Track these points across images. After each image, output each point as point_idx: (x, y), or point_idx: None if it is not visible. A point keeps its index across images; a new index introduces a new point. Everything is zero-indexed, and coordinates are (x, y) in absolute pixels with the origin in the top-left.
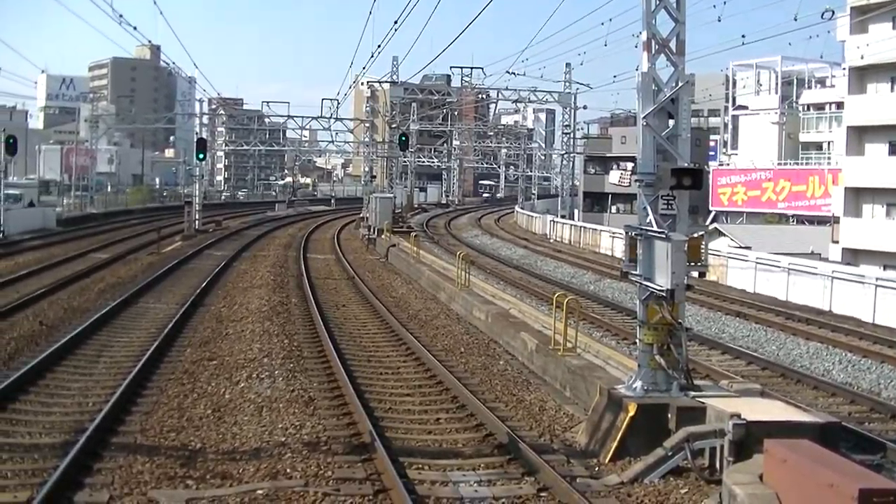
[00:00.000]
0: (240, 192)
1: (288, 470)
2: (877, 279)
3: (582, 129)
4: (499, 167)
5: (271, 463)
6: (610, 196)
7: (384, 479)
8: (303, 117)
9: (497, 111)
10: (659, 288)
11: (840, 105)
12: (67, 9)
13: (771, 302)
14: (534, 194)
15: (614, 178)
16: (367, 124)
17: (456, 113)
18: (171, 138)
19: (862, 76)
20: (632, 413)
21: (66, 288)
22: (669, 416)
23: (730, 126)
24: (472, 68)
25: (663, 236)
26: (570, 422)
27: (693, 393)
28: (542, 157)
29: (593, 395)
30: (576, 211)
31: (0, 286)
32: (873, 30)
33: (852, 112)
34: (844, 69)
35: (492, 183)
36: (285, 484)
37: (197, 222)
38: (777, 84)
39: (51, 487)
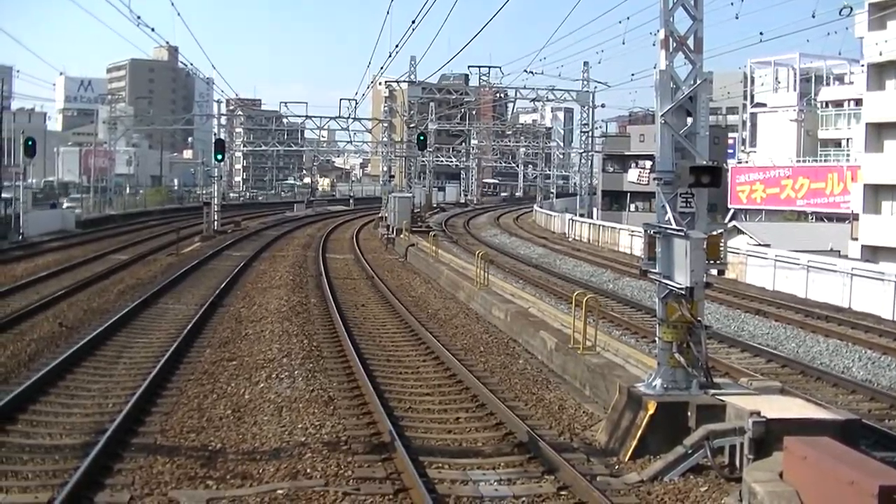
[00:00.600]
0: (250, 192)
1: (308, 470)
2: None
3: (600, 127)
4: (517, 166)
5: (291, 463)
6: (628, 194)
7: (404, 479)
8: (321, 117)
9: (515, 110)
10: (678, 286)
11: (859, 102)
12: (85, 11)
13: (790, 299)
14: (552, 193)
15: (633, 177)
16: (386, 124)
17: (474, 112)
18: (190, 139)
19: (880, 72)
20: (651, 411)
21: (85, 289)
22: (689, 413)
23: (748, 123)
24: (489, 67)
25: (682, 234)
26: (589, 420)
27: (713, 391)
28: (561, 156)
29: (613, 393)
30: (594, 209)
31: (20, 288)
32: (892, 26)
33: (871, 109)
34: (863, 66)
35: (495, 181)
36: (305, 484)
37: (216, 223)
38: (795, 81)
39: (72, 488)
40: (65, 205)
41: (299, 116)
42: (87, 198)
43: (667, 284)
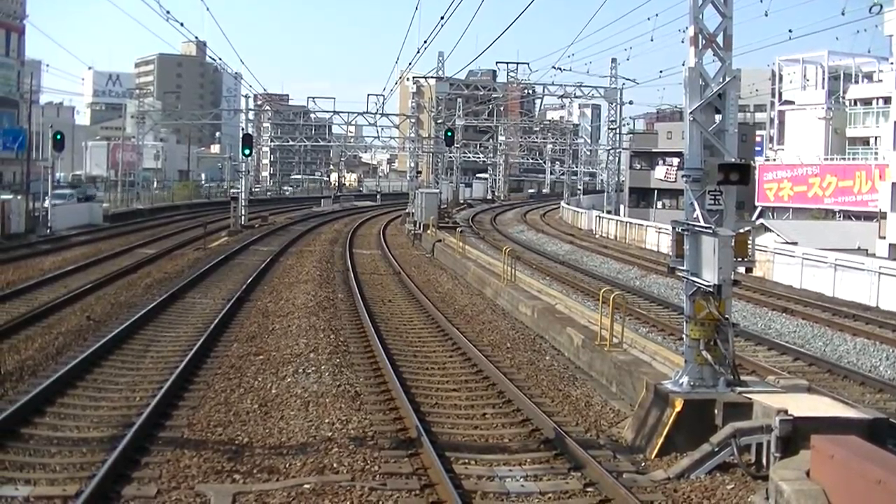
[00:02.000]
0: (279, 187)
1: (335, 465)
2: None
3: (627, 124)
4: (544, 163)
5: (318, 457)
6: (656, 191)
7: (431, 474)
8: (348, 113)
9: (542, 107)
10: (706, 283)
11: (887, 100)
12: (115, 5)
13: (817, 298)
14: (579, 190)
15: (660, 174)
16: (413, 120)
17: (501, 108)
18: (217, 134)
19: None
20: (678, 408)
21: (113, 283)
22: (716, 411)
23: (776, 121)
24: (517, 64)
25: (710, 232)
26: (616, 417)
27: (739, 388)
28: (588, 153)
29: (639, 390)
30: (621, 206)
31: (48, 281)
32: None
33: None
34: (892, 63)
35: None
36: (332, 478)
37: (243, 218)
38: (824, 79)
39: (99, 481)
40: (46, 202)
41: (327, 112)
42: (70, 194)
43: (694, 282)
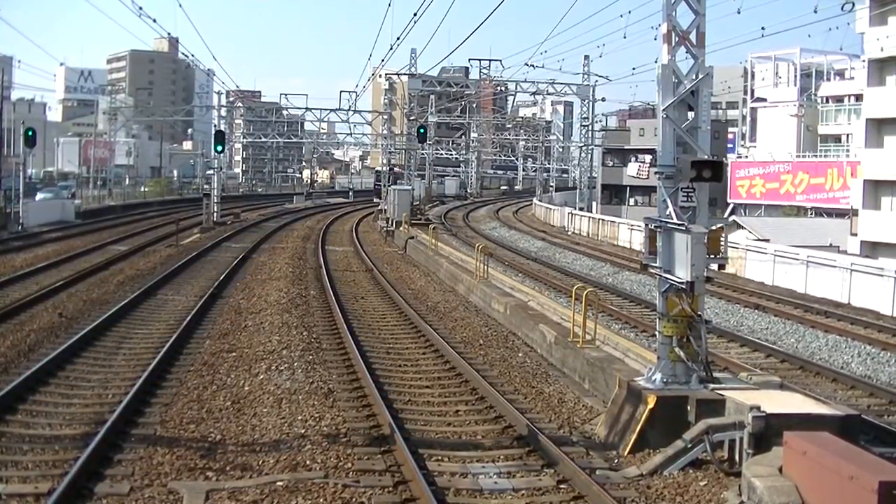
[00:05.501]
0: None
1: (308, 462)
2: None
3: (600, 121)
4: (517, 159)
5: (291, 455)
6: (628, 188)
7: (404, 471)
8: (321, 109)
9: (515, 103)
10: (679, 280)
11: (859, 97)
12: (87, 1)
13: (789, 294)
14: (552, 187)
15: (632, 171)
16: (386, 116)
17: (474, 105)
18: (189, 131)
19: (881, 68)
20: (651, 405)
21: (85, 280)
22: (689, 408)
23: (748, 118)
24: (490, 60)
25: (683, 228)
26: (589, 414)
27: (712, 385)
28: (561, 150)
29: (612, 387)
30: (594, 203)
31: (20, 278)
32: (893, 22)
33: (871, 104)
34: (864, 61)
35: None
36: (305, 475)
37: (215, 214)
38: (796, 76)
39: (72, 478)
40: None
41: (299, 108)
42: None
43: (667, 279)
